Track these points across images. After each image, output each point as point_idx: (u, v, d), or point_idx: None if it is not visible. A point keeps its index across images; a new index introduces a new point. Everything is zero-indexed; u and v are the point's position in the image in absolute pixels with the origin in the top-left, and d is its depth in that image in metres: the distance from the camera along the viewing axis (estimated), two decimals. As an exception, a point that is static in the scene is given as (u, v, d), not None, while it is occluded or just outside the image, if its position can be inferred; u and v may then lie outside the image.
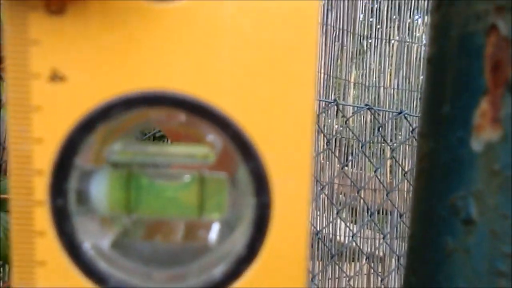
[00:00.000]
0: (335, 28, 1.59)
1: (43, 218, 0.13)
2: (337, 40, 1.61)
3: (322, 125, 1.53)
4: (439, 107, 0.18)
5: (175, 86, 0.13)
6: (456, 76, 0.17)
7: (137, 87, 0.13)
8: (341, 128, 1.63)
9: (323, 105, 1.37)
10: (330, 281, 1.55)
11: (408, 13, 1.73)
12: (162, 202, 0.15)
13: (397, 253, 1.55)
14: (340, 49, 1.62)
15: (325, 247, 1.50)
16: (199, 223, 0.15)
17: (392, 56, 1.71)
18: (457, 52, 0.17)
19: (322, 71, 1.55)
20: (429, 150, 0.19)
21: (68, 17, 0.13)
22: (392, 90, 1.71)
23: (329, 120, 1.63)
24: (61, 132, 0.13)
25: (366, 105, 1.24)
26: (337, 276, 1.56)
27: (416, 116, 1.42)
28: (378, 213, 1.64)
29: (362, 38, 1.68)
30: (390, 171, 1.71)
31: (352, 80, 1.67)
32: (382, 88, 1.69)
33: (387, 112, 1.54)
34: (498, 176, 0.16)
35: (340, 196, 1.67)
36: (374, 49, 1.70)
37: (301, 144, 0.14)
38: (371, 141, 1.64)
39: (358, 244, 1.48)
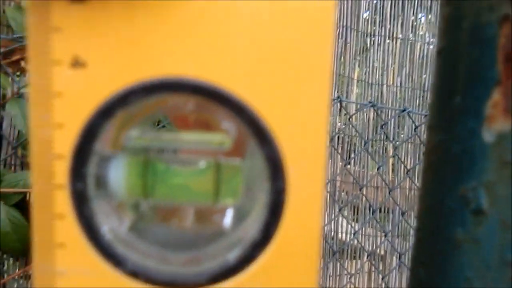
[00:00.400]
0: (338, 26, 1.59)
1: (63, 202, 0.14)
2: (340, 37, 1.61)
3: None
4: (450, 99, 0.18)
5: (193, 72, 0.14)
6: (468, 67, 0.17)
7: (156, 74, 0.14)
8: (344, 126, 1.63)
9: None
10: (331, 278, 1.55)
11: (412, 11, 1.73)
12: (178, 187, 0.15)
13: (399, 251, 1.55)
14: (343, 46, 1.62)
15: (326, 244, 1.50)
16: (212, 208, 0.16)
17: (395, 54, 1.71)
18: (469, 43, 0.17)
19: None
20: (439, 142, 0.19)
21: (89, 4, 0.13)
22: (395, 88, 1.71)
23: (332, 118, 1.63)
24: (81, 117, 0.14)
25: (370, 102, 1.24)
26: (338, 273, 1.56)
27: (419, 114, 1.42)
28: (380, 211, 1.64)
29: (365, 35, 1.68)
30: (393, 169, 1.71)
31: (356, 77, 1.67)
32: (385, 86, 1.69)
33: (390, 110, 1.54)
34: (509, 167, 0.16)
35: (342, 194, 1.67)
36: (378, 46, 1.70)
37: (316, 129, 0.14)
38: (374, 139, 1.64)
39: (360, 242, 1.48)
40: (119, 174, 0.15)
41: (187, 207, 0.16)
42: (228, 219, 0.16)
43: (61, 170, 0.14)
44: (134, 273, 0.14)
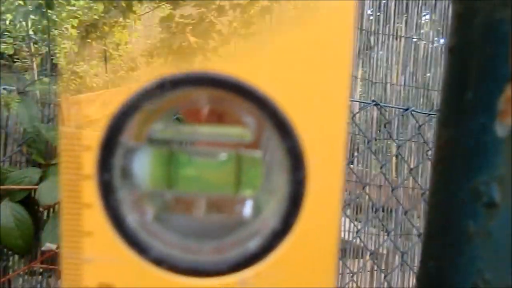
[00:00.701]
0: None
1: (90, 192, 0.14)
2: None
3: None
4: (461, 95, 0.19)
5: (217, 67, 0.14)
6: (481, 63, 0.18)
7: (181, 69, 0.14)
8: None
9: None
10: (334, 276, 1.55)
11: (416, 10, 1.73)
12: (199, 178, 0.15)
13: (401, 250, 1.55)
14: (347, 45, 1.62)
15: (329, 242, 1.49)
16: (233, 199, 0.16)
17: (399, 53, 1.71)
18: (482, 39, 0.18)
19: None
20: (451, 137, 0.20)
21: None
22: (399, 86, 1.71)
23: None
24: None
25: (373, 101, 1.24)
26: (340, 272, 1.56)
27: (422, 113, 1.42)
28: (382, 210, 1.64)
29: (369, 34, 1.68)
30: (396, 168, 1.71)
31: (359, 76, 1.67)
32: (388, 85, 1.69)
33: (393, 109, 1.54)
34: (521, 161, 0.17)
35: (345, 193, 1.67)
36: (381, 45, 1.70)
37: (336, 121, 0.14)
38: (377, 138, 1.64)
39: (362, 241, 1.48)
40: (144, 166, 0.15)
41: (208, 197, 0.17)
42: (248, 209, 0.16)
43: (89, 161, 0.14)
44: (158, 261, 0.14)
